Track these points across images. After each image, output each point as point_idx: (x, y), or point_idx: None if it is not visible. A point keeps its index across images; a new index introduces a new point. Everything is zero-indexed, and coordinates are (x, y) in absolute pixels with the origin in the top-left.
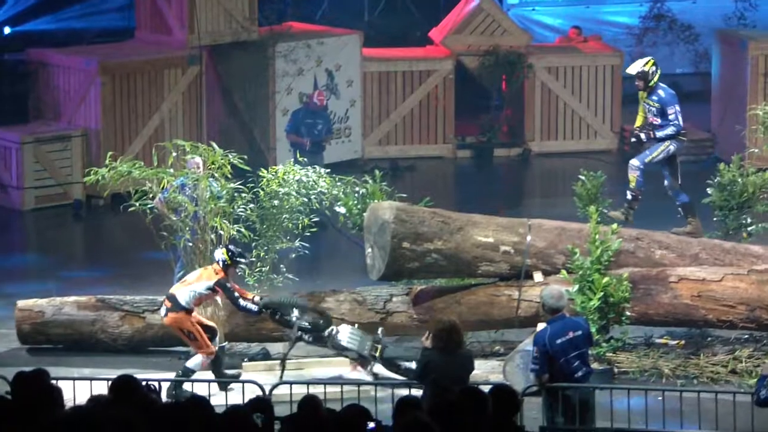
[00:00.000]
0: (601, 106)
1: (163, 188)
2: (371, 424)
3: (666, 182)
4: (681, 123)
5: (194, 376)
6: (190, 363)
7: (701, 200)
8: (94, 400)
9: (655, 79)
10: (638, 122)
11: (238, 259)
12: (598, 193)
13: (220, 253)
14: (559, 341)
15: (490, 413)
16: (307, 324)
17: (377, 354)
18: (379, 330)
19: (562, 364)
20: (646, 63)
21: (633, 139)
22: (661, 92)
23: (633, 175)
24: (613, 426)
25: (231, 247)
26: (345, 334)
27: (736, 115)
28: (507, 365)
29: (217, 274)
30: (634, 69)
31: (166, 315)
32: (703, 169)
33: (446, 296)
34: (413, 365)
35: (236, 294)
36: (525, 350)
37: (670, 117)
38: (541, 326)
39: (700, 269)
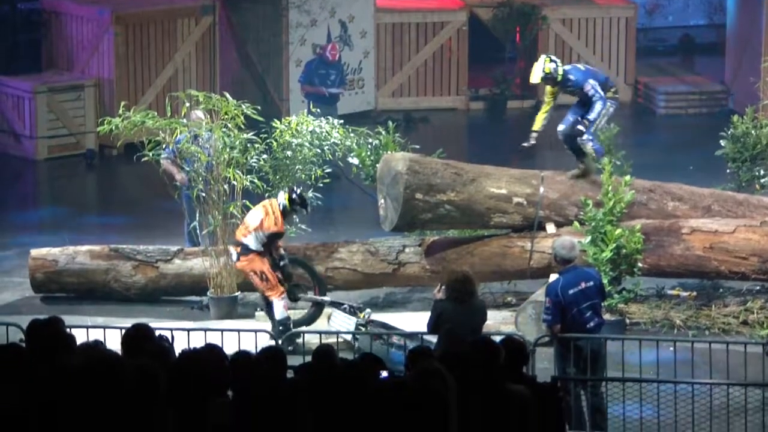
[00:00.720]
0: (615, 58)
1: (165, 147)
2: (384, 373)
3: (563, 126)
4: (601, 93)
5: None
6: (277, 314)
7: (714, 152)
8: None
9: (560, 72)
10: (537, 124)
11: (297, 207)
12: (611, 145)
13: (282, 197)
14: (571, 291)
15: (502, 363)
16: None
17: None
18: (366, 311)
19: (575, 315)
20: (544, 67)
21: (523, 146)
22: (571, 76)
23: (588, 147)
24: (624, 376)
25: (296, 192)
26: (338, 321)
27: (750, 67)
28: (519, 316)
29: (276, 224)
30: (536, 78)
31: (237, 260)
32: (716, 122)
33: (459, 247)
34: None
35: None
36: (537, 301)
37: (590, 93)
38: (553, 277)
39: (713, 221)
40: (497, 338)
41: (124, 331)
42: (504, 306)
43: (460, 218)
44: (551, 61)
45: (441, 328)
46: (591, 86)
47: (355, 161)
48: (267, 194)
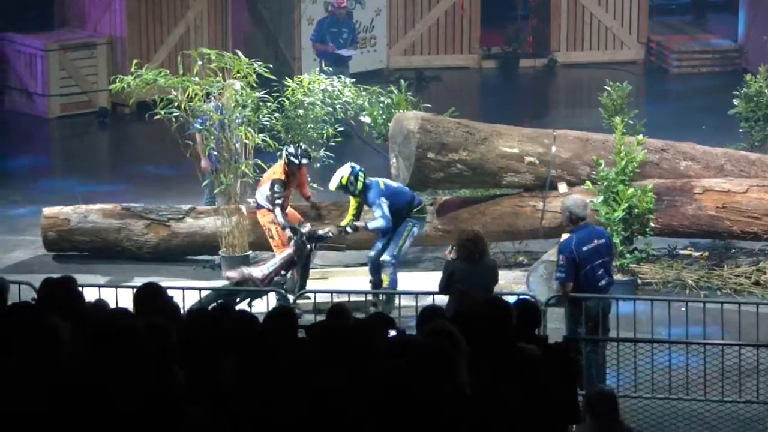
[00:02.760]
0: (628, 16)
1: (198, 118)
2: (392, 332)
3: (372, 253)
4: (386, 214)
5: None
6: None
7: (727, 112)
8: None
9: (359, 186)
10: (345, 221)
11: (293, 159)
12: (624, 104)
13: (287, 149)
14: (585, 248)
15: (514, 324)
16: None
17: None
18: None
19: (587, 272)
20: (342, 177)
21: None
22: (368, 193)
23: (386, 275)
24: (636, 336)
25: (293, 147)
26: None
27: (763, 25)
28: (530, 276)
29: (276, 172)
30: (332, 185)
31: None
32: (729, 81)
33: (470, 207)
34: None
35: (280, 200)
36: (549, 261)
37: (376, 215)
38: (565, 236)
39: (725, 180)
40: (509, 298)
41: (135, 289)
42: (515, 266)
43: (472, 177)
44: (353, 173)
45: (452, 288)
46: (377, 206)
47: (367, 120)
48: (278, 153)
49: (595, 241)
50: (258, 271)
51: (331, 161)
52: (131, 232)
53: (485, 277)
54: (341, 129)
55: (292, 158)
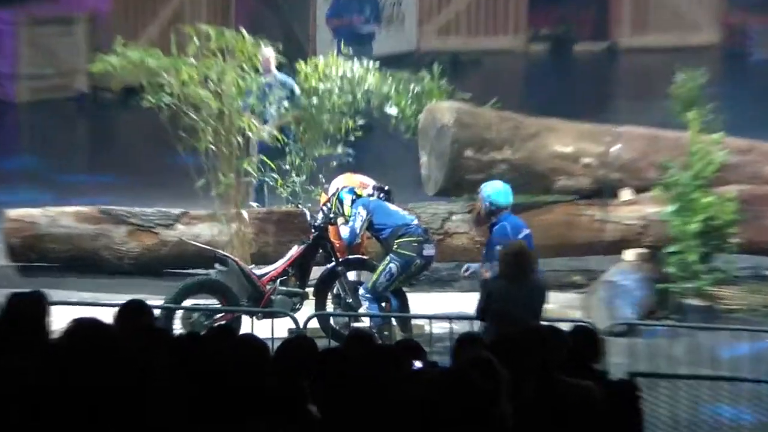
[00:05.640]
0: None
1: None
2: (417, 364)
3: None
4: (356, 229)
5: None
6: None
7: None
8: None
9: (346, 209)
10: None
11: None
12: (699, 95)
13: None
14: (522, 237)
15: (566, 356)
16: None
17: None
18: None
19: None
20: (330, 197)
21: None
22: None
23: (363, 307)
24: (717, 374)
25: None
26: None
27: None
28: (588, 299)
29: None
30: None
31: None
32: None
33: (516, 215)
34: None
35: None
36: (610, 281)
37: (350, 224)
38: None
39: None
40: (561, 326)
41: (117, 309)
42: (569, 286)
43: (518, 180)
44: (348, 192)
45: (491, 311)
46: (352, 215)
47: (393, 111)
48: (288, 148)
49: (524, 231)
50: (258, 269)
51: (350, 159)
52: (111, 240)
53: (531, 300)
54: (362, 122)
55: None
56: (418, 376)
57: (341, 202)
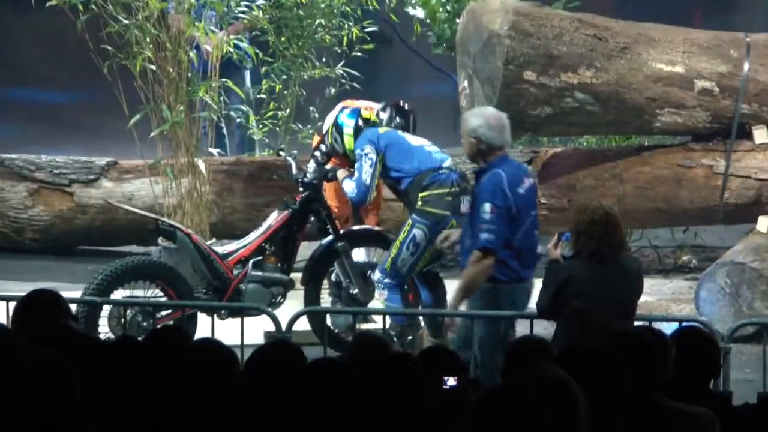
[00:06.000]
0: None
1: None
2: (451, 382)
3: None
4: (366, 180)
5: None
6: None
7: None
8: None
9: (347, 142)
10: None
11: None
12: None
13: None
14: (521, 190)
15: (672, 369)
16: None
17: None
18: None
19: (528, 230)
20: (324, 136)
21: None
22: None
23: (379, 300)
24: None
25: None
26: None
27: None
28: (702, 288)
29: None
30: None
31: None
32: None
33: (598, 167)
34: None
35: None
36: (734, 262)
37: (355, 174)
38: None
39: None
40: (663, 327)
41: (15, 303)
42: (676, 270)
43: (602, 115)
44: (350, 116)
45: (565, 306)
46: (358, 159)
47: (419, 13)
48: (265, 68)
49: (526, 181)
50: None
51: (355, 84)
52: (6, 203)
53: (621, 289)
54: (373, 28)
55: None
56: (451, 399)
57: (340, 131)
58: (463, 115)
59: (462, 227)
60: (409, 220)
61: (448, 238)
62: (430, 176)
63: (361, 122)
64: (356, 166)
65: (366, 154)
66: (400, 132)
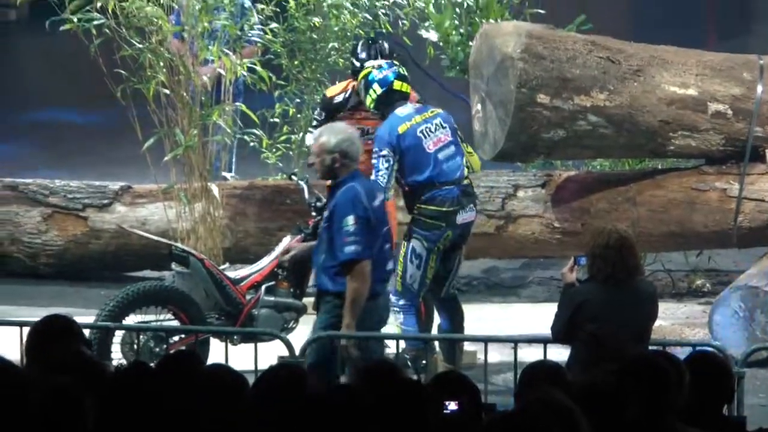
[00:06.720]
0: None
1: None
2: (452, 406)
3: None
4: (384, 178)
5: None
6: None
7: None
8: None
9: (368, 100)
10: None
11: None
12: None
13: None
14: (376, 204)
15: (686, 394)
16: None
17: None
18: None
19: (381, 243)
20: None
21: None
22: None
23: (395, 323)
24: None
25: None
26: None
27: None
28: (716, 312)
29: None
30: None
31: None
32: None
33: (612, 190)
34: None
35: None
36: (748, 286)
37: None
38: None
39: None
40: (676, 351)
41: (29, 328)
42: (689, 294)
43: (615, 138)
44: (382, 82)
45: (579, 330)
46: (375, 159)
47: (433, 36)
48: (278, 92)
49: (378, 196)
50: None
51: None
52: (20, 228)
53: (635, 313)
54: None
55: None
56: (459, 424)
57: (368, 87)
58: (314, 136)
59: (317, 245)
60: (405, 231)
61: (289, 251)
62: (431, 192)
63: (386, 93)
64: (373, 163)
65: (383, 156)
66: (422, 135)
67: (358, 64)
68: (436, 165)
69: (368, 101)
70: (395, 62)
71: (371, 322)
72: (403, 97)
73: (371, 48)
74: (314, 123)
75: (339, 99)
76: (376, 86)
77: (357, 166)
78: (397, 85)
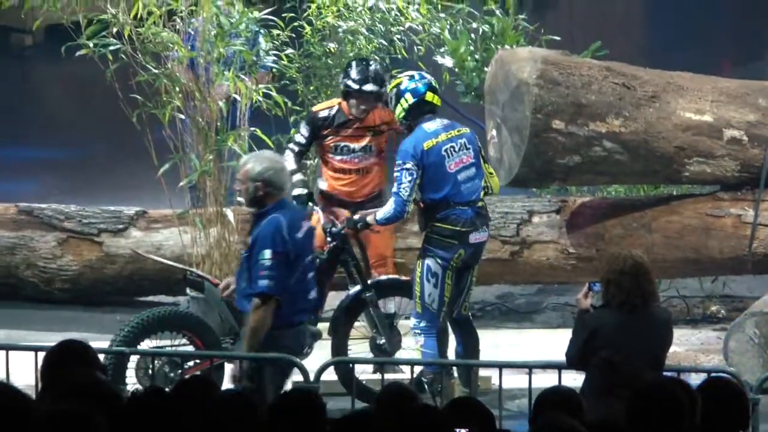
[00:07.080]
0: None
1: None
2: None
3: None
4: (405, 196)
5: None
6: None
7: None
8: None
9: (398, 112)
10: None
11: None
12: None
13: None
14: (299, 236)
15: (698, 422)
16: None
17: None
18: None
19: (300, 276)
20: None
21: None
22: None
23: (415, 346)
24: None
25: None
26: None
27: None
28: (731, 339)
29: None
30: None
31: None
32: None
33: (626, 216)
34: None
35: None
36: (764, 312)
37: (393, 193)
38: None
39: None
40: (691, 378)
41: (44, 353)
42: (704, 321)
43: (630, 165)
44: (403, 88)
45: (593, 357)
46: (397, 172)
47: (448, 62)
48: (294, 117)
49: (304, 225)
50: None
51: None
52: (35, 253)
53: (650, 339)
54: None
55: (348, 82)
56: None
57: (399, 97)
58: (241, 162)
59: (237, 274)
60: (419, 251)
61: (229, 286)
62: (446, 211)
63: (418, 103)
64: (395, 176)
65: (407, 169)
66: (443, 151)
67: (350, 83)
68: (454, 185)
69: (398, 111)
70: (426, 73)
71: (294, 349)
72: (433, 110)
73: (365, 69)
74: (296, 139)
75: (324, 114)
76: (408, 96)
77: (284, 195)
78: (429, 96)
